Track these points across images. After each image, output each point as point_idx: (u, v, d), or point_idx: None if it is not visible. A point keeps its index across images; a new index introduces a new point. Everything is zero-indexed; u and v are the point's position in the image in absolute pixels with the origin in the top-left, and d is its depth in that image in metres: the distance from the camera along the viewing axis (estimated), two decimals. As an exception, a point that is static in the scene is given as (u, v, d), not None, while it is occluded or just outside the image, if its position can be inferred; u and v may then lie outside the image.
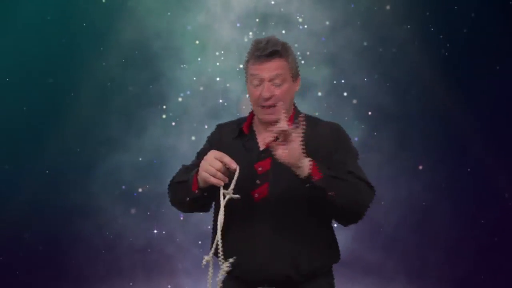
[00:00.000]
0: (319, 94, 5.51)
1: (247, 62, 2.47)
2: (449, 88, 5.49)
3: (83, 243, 5.51)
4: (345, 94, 5.60)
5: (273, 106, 2.42)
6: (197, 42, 5.62)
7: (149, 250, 5.66)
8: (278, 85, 2.41)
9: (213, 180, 2.24)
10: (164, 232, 5.67)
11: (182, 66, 5.61)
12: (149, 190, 5.59)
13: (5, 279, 5.27)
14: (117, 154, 5.49)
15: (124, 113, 5.57)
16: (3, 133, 5.39)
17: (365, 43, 5.55)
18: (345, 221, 2.43)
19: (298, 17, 5.57)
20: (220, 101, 5.65)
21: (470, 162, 5.46)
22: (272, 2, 5.57)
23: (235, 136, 2.54)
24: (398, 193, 5.45)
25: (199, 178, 2.31)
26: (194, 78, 5.64)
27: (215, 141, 2.59)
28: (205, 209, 2.54)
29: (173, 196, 2.54)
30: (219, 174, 2.24)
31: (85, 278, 5.47)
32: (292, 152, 2.18)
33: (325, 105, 5.55)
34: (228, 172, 2.26)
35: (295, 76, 2.49)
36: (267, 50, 2.40)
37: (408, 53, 5.54)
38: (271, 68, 2.40)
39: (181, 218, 5.60)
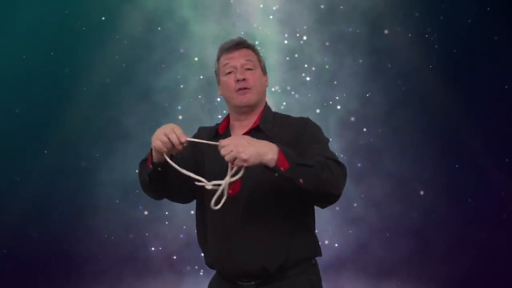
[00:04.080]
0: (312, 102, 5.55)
1: (218, 59, 2.60)
2: (448, 87, 5.51)
3: (84, 242, 5.52)
4: (344, 93, 5.62)
5: (247, 88, 2.53)
6: (196, 59, 5.66)
7: (152, 249, 5.67)
8: (250, 69, 2.54)
9: (165, 146, 2.29)
10: (166, 233, 5.67)
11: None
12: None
13: (5, 278, 5.28)
14: (119, 152, 5.49)
15: (126, 112, 5.57)
16: (3, 133, 5.40)
17: (364, 44, 5.58)
18: (321, 204, 2.46)
19: (298, 34, 5.61)
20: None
21: (469, 161, 5.48)
22: (271, 17, 5.58)
23: (212, 136, 2.59)
24: (397, 192, 5.48)
25: (153, 150, 2.35)
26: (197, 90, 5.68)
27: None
28: (178, 197, 2.60)
29: (140, 179, 2.58)
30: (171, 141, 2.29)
31: (85, 277, 5.48)
32: (244, 152, 2.20)
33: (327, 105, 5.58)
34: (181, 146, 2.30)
35: (264, 69, 2.62)
36: (235, 41, 2.57)
37: (407, 55, 5.55)
38: (241, 55, 2.55)
39: (183, 229, 5.61)
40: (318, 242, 2.59)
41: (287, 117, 2.63)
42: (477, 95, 5.41)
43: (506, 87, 5.45)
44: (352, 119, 5.60)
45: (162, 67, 5.61)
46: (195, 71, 5.67)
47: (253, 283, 2.46)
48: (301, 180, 2.23)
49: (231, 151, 2.19)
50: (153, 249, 5.66)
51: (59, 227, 5.44)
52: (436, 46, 5.54)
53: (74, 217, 5.49)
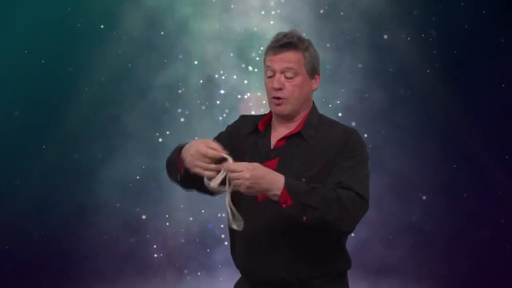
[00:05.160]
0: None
1: (265, 54, 2.44)
2: (447, 85, 5.54)
3: (83, 242, 5.52)
4: (342, 89, 5.63)
5: (281, 99, 2.39)
6: (196, 60, 5.67)
7: (152, 249, 5.66)
8: (289, 78, 2.37)
9: (207, 174, 2.24)
10: (166, 233, 5.66)
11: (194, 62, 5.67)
12: (151, 191, 5.59)
13: (5, 279, 5.27)
14: (120, 152, 5.49)
15: (127, 110, 5.57)
16: (3, 133, 5.41)
17: (365, 44, 5.61)
18: (334, 235, 2.36)
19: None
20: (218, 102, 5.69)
21: (469, 160, 5.50)
22: (271, 22, 5.59)
23: (251, 131, 2.49)
24: (398, 191, 5.48)
25: (184, 159, 2.29)
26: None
27: (234, 132, 2.56)
28: (208, 192, 2.46)
29: (168, 174, 2.52)
30: (210, 168, 2.24)
31: (85, 276, 5.47)
32: (251, 187, 2.16)
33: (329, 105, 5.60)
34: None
35: (311, 72, 2.41)
36: (281, 41, 2.37)
37: (407, 54, 5.57)
38: (283, 60, 2.36)
39: (183, 229, 5.61)
40: (348, 256, 2.48)
41: (333, 123, 2.47)
42: (476, 94, 5.44)
43: (503, 86, 5.47)
44: (352, 119, 5.59)
45: (163, 66, 5.61)
46: (196, 70, 5.67)
47: None
48: (304, 218, 2.17)
49: (239, 180, 2.15)
50: (153, 249, 5.65)
51: (59, 226, 5.43)
52: (435, 46, 5.57)
53: (74, 216, 5.48)
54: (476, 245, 5.36)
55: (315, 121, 2.43)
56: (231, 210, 2.26)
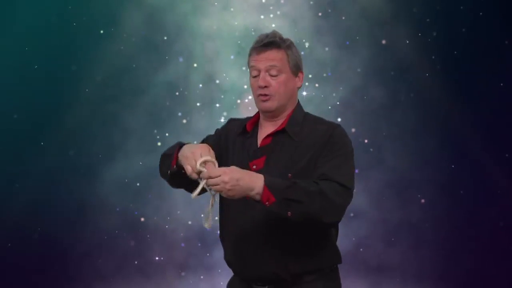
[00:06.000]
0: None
1: (249, 55, 2.51)
2: (447, 88, 5.55)
3: (83, 243, 5.51)
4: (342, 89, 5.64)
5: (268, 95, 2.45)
6: (197, 58, 5.68)
7: (152, 250, 5.66)
8: (274, 76, 2.44)
9: (189, 170, 2.28)
10: (166, 234, 5.66)
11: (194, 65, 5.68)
12: (150, 191, 5.59)
13: (5, 278, 5.27)
14: (119, 152, 5.50)
15: (126, 111, 5.57)
16: (4, 133, 5.41)
17: (366, 43, 5.62)
18: (321, 227, 2.40)
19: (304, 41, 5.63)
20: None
21: (469, 161, 5.50)
22: (272, 24, 5.59)
23: (239, 132, 2.56)
24: (397, 192, 5.48)
25: (179, 157, 2.35)
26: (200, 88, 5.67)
27: (222, 135, 2.62)
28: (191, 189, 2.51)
29: (159, 168, 2.57)
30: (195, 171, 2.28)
31: (84, 276, 5.47)
32: (231, 189, 2.19)
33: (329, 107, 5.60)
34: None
35: (295, 69, 2.49)
36: (264, 41, 2.44)
37: (407, 52, 5.58)
38: (267, 59, 2.44)
39: (184, 231, 5.61)
40: (338, 251, 2.53)
41: (318, 120, 2.54)
42: (476, 93, 5.45)
43: (501, 84, 5.50)
44: (352, 119, 5.59)
45: (163, 65, 5.61)
46: (196, 70, 5.68)
47: (267, 287, 2.43)
48: (289, 213, 2.22)
49: (218, 185, 2.19)
50: (152, 251, 5.65)
51: (59, 226, 5.43)
52: (435, 46, 5.58)
53: (74, 216, 5.48)
54: (476, 245, 5.37)
55: (300, 118, 2.51)
56: (209, 213, 2.32)
